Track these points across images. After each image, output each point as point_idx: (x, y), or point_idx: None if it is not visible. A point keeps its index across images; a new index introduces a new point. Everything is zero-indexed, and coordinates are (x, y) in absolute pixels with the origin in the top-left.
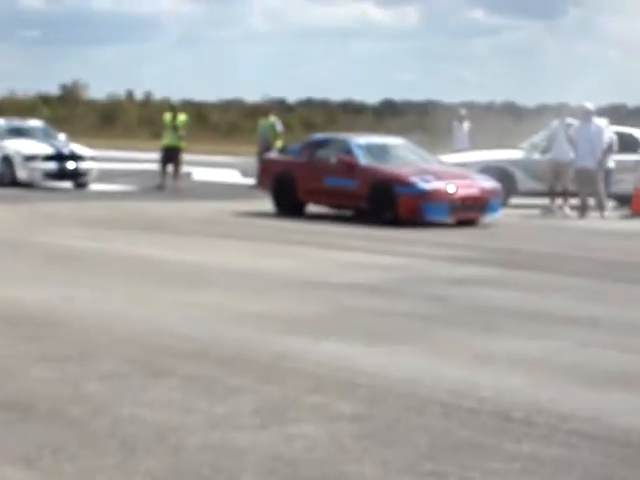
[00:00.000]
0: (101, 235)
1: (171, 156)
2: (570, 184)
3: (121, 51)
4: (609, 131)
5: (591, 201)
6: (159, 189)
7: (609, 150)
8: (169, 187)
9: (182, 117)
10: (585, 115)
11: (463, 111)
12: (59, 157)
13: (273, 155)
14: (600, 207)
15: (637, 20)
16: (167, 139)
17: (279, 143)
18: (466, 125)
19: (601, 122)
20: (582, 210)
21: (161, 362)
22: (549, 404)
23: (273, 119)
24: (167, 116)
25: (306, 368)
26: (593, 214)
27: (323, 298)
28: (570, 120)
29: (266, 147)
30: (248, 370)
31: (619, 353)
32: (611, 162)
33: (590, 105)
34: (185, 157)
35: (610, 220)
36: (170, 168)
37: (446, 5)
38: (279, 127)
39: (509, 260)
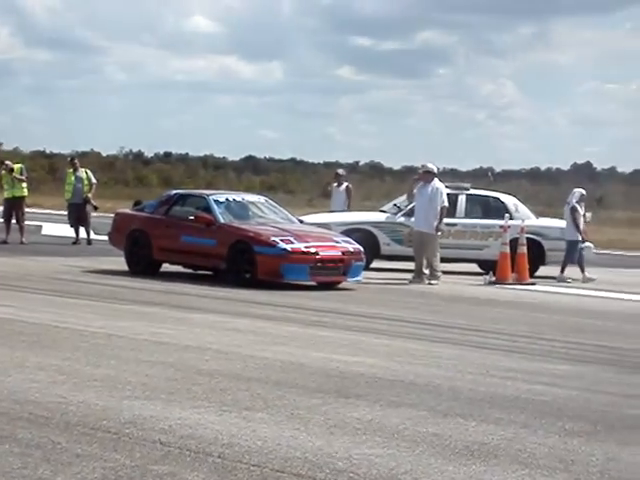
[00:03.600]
0: None
1: (13, 207)
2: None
3: None
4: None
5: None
6: (3, 243)
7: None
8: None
9: (17, 166)
10: (426, 176)
11: (342, 171)
12: None
13: (127, 210)
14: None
15: (503, 83)
16: (7, 192)
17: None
18: (344, 186)
19: (439, 184)
20: (417, 275)
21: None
22: (405, 476)
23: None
24: (2, 170)
25: (155, 436)
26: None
27: (176, 362)
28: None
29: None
30: (94, 437)
31: (478, 424)
32: (576, 235)
33: (432, 166)
34: (35, 211)
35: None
36: (14, 221)
37: (312, 61)
38: (93, 179)
39: (369, 326)
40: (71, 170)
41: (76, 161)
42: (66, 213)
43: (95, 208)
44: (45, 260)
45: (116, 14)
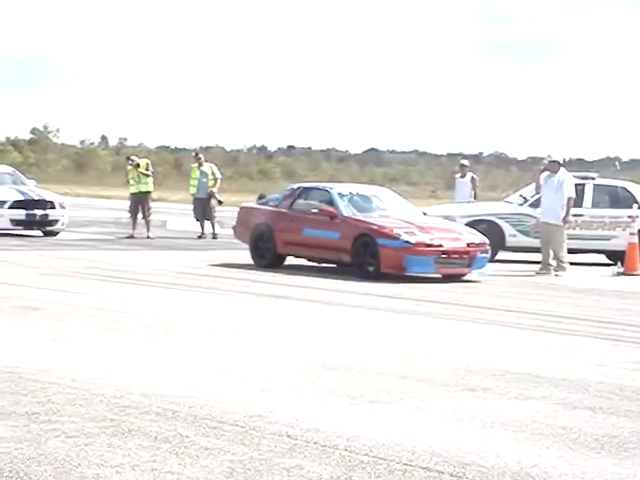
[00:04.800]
0: (69, 285)
1: (139, 202)
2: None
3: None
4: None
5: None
6: (130, 238)
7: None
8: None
9: (143, 162)
10: (552, 166)
11: (465, 162)
12: (28, 204)
13: (251, 204)
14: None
15: None
16: (133, 187)
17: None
18: (468, 177)
19: (566, 174)
20: (544, 266)
21: (128, 420)
22: (533, 470)
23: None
24: (129, 166)
25: (282, 429)
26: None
27: (301, 355)
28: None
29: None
30: (221, 430)
31: (607, 416)
32: None
33: (557, 155)
34: (161, 205)
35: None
36: (140, 216)
37: None
38: (218, 173)
39: (495, 318)
40: (196, 165)
41: (201, 156)
42: (191, 207)
43: (220, 202)
44: (172, 254)
45: None
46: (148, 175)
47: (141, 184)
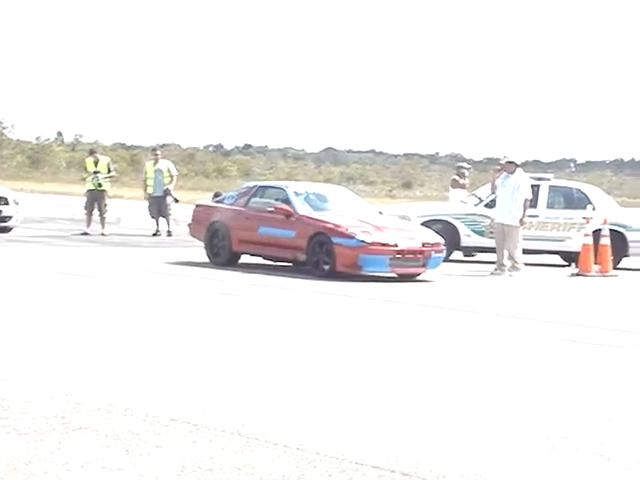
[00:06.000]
0: (22, 283)
1: (95, 199)
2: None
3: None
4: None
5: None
6: (84, 235)
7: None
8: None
9: (104, 160)
10: (508, 167)
11: (466, 165)
12: None
13: (207, 202)
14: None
15: None
16: (90, 183)
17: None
18: (463, 181)
19: (522, 176)
20: (498, 267)
21: (79, 417)
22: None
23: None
24: (88, 161)
25: (233, 427)
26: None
27: (247, 351)
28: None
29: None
30: (172, 427)
31: None
32: None
33: (514, 156)
34: (116, 202)
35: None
36: (96, 213)
37: None
38: (174, 170)
39: (447, 318)
40: (152, 162)
41: (158, 152)
42: (147, 205)
43: (176, 200)
44: (127, 251)
45: None
46: (112, 176)
47: (96, 182)
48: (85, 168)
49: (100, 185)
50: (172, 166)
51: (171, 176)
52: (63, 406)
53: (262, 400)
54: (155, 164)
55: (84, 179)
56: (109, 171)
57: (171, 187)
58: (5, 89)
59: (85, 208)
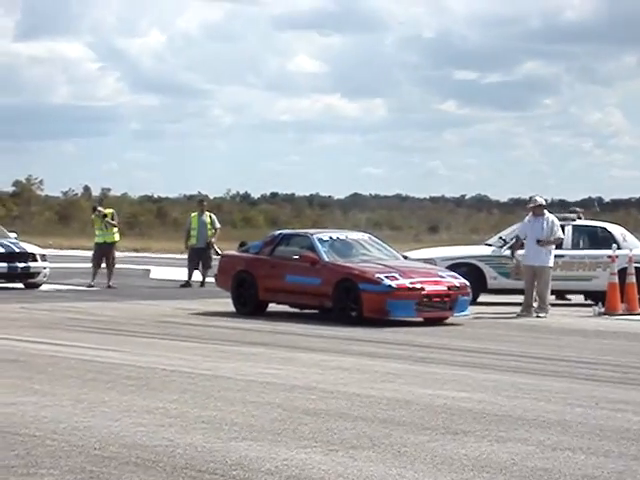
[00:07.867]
0: (51, 337)
1: (104, 252)
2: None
3: (78, 145)
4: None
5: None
6: (89, 287)
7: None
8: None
9: (108, 211)
10: (537, 210)
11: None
12: (9, 257)
13: (232, 252)
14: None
15: (610, 112)
16: (99, 237)
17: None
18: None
19: (552, 217)
20: (525, 308)
21: (108, 472)
22: None
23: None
24: (94, 217)
25: (262, 477)
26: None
27: (282, 402)
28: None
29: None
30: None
31: (587, 457)
32: None
33: (541, 199)
34: (143, 255)
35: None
36: (103, 265)
37: (415, 97)
38: (217, 223)
39: (477, 361)
40: (196, 214)
41: (205, 203)
42: (184, 257)
43: (217, 253)
44: (154, 303)
45: (220, 57)
46: (115, 225)
47: (107, 234)
48: (92, 224)
49: (112, 233)
50: (215, 219)
51: (214, 229)
52: (91, 460)
53: (291, 450)
54: (200, 215)
55: (95, 233)
56: (112, 219)
57: (214, 239)
58: (33, 145)
59: (92, 261)
